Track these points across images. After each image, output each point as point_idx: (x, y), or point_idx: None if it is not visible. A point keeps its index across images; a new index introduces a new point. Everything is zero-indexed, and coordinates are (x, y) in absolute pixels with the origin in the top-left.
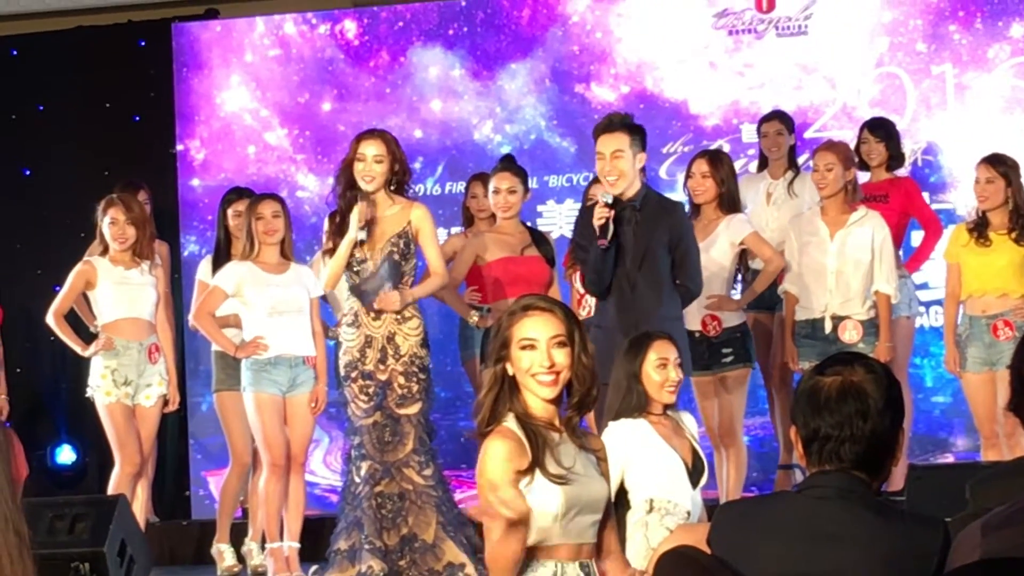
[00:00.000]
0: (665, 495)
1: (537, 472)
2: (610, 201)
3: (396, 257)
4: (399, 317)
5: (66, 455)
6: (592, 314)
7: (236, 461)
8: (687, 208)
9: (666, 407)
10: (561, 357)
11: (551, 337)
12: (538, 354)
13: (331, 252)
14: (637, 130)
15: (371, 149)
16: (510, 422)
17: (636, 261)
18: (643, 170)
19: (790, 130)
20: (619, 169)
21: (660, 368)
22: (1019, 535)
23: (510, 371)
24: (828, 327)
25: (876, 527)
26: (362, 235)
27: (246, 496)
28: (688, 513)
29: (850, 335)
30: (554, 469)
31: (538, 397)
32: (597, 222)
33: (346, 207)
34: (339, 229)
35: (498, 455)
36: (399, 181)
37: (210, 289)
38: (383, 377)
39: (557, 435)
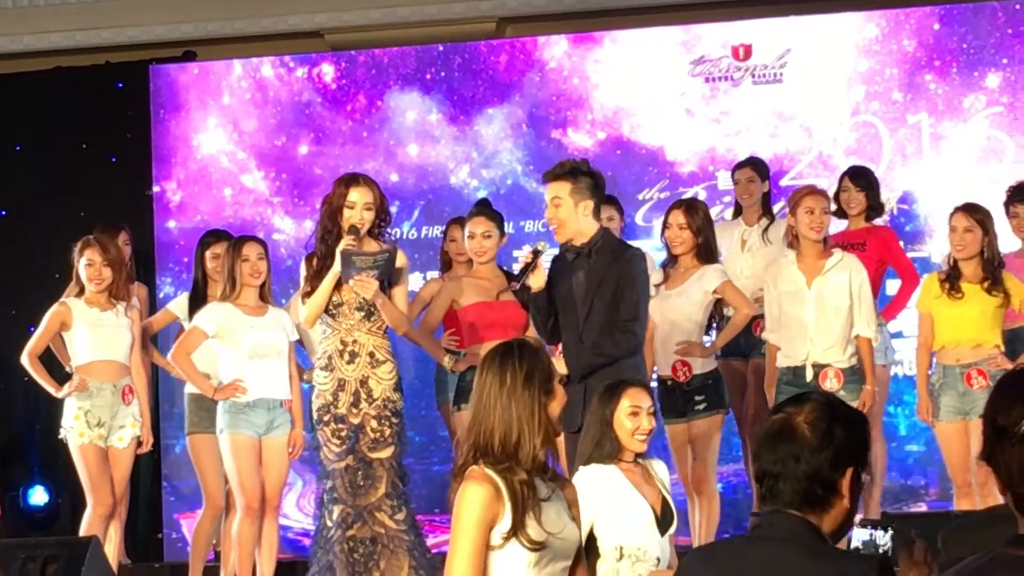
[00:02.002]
0: (635, 542)
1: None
2: (539, 248)
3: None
4: (372, 361)
5: (39, 496)
6: None
7: (209, 503)
8: (662, 255)
9: (637, 455)
10: None
11: None
12: None
13: (308, 295)
14: (582, 176)
15: (361, 196)
16: (492, 472)
17: (584, 309)
18: (599, 215)
19: (763, 177)
20: (558, 217)
21: (632, 416)
22: None
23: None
24: (809, 375)
25: (809, 569)
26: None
27: (219, 539)
28: (658, 559)
29: (831, 383)
30: (535, 535)
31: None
32: (517, 265)
33: (327, 251)
34: (317, 272)
35: (475, 501)
36: (379, 225)
37: (189, 330)
38: (356, 421)
39: (548, 491)
